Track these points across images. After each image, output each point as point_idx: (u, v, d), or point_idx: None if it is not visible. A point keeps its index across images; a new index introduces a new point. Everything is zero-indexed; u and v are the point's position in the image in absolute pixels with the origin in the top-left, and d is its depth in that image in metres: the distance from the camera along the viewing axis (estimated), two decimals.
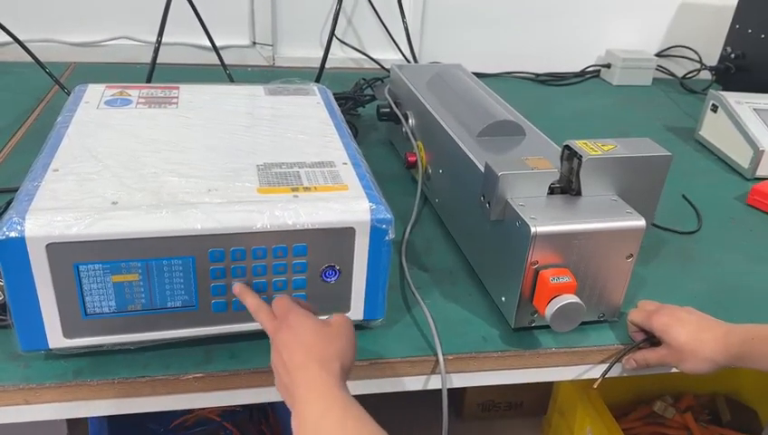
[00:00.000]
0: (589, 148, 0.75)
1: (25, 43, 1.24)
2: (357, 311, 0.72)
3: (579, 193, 0.76)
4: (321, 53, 1.30)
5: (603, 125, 1.46)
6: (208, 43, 1.32)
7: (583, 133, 0.81)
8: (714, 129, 1.33)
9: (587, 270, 0.73)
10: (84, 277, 0.62)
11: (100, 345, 0.66)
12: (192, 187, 0.67)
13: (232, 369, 0.68)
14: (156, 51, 1.21)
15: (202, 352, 0.70)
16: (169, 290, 0.65)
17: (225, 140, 0.78)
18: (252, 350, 0.70)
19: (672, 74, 1.78)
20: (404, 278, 0.83)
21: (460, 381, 0.75)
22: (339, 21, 1.34)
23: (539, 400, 1.64)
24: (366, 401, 0.57)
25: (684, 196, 1.13)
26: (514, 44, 1.71)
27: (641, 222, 0.72)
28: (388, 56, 1.63)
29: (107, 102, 0.86)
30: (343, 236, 0.67)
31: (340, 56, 1.64)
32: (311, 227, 0.65)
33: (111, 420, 1.21)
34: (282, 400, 0.60)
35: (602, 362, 0.77)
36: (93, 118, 0.82)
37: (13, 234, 0.58)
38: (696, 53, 1.75)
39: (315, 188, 0.69)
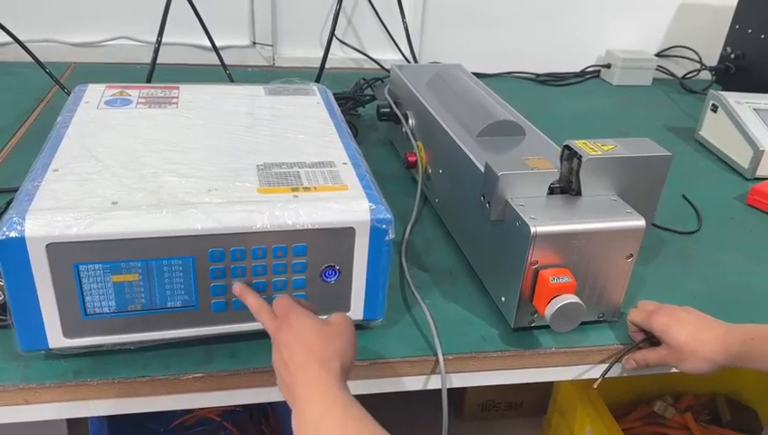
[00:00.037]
0: (589, 148, 0.75)
1: (25, 44, 1.24)
2: (357, 311, 0.72)
3: (579, 193, 0.76)
4: (321, 53, 1.31)
5: (603, 125, 1.46)
6: (208, 43, 1.32)
7: (583, 133, 0.82)
8: (714, 129, 1.33)
9: (587, 270, 0.73)
10: (84, 277, 0.62)
11: (100, 345, 0.66)
12: (192, 187, 0.67)
13: (232, 369, 0.68)
14: (156, 51, 1.21)
15: (202, 352, 0.70)
16: (169, 290, 0.65)
17: (225, 140, 0.78)
18: (252, 350, 0.70)
19: (672, 74, 1.78)
20: (404, 278, 0.83)
21: (460, 381, 0.75)
22: (339, 21, 1.34)
23: (539, 400, 1.64)
24: (366, 401, 0.57)
25: (684, 196, 1.13)
26: (514, 44, 1.71)
27: (641, 222, 0.72)
28: (388, 56, 1.63)
29: (107, 102, 0.86)
30: (343, 236, 0.67)
31: (340, 56, 1.64)
32: (311, 227, 0.65)
33: (111, 420, 1.21)
34: (282, 399, 0.60)
35: (602, 362, 0.77)
36: (93, 118, 0.82)
37: (13, 234, 0.58)
38: (695, 53, 1.75)
39: (315, 188, 0.69)
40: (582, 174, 0.75)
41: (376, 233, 0.67)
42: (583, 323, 0.74)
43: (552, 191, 0.76)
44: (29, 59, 1.25)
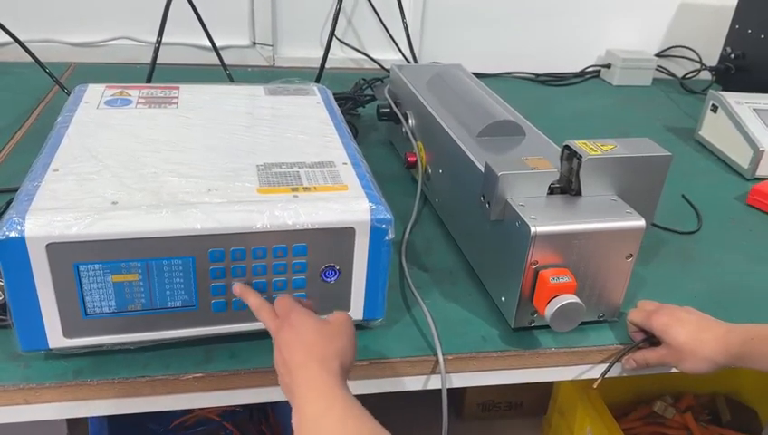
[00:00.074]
0: (588, 148, 0.75)
1: (25, 44, 1.24)
2: (357, 311, 0.72)
3: (579, 193, 0.76)
4: (321, 54, 1.31)
5: (603, 125, 1.46)
6: (208, 44, 1.32)
7: (583, 133, 0.82)
8: (714, 129, 1.33)
9: (587, 270, 0.73)
10: (84, 277, 0.62)
11: (100, 345, 0.66)
12: (192, 187, 0.67)
13: (232, 369, 0.68)
14: (156, 51, 1.21)
15: (202, 352, 0.70)
16: (169, 290, 0.65)
17: (225, 140, 0.78)
18: (252, 350, 0.70)
19: (672, 74, 1.78)
20: (404, 278, 0.83)
21: (460, 381, 0.75)
22: (339, 21, 1.34)
23: (539, 400, 1.64)
24: (366, 400, 0.57)
25: (684, 196, 1.13)
26: (514, 44, 1.71)
27: (641, 222, 0.72)
28: (388, 56, 1.63)
29: (107, 102, 0.86)
30: (343, 236, 0.67)
31: (340, 56, 1.64)
32: (311, 226, 0.65)
33: (111, 420, 1.21)
34: (282, 399, 0.60)
35: (602, 362, 0.77)
36: (93, 118, 0.82)
37: (13, 234, 0.58)
38: (695, 53, 1.75)
39: (315, 188, 0.69)
40: (582, 174, 0.75)
41: (376, 233, 0.67)
42: (583, 323, 0.74)
43: (551, 191, 0.76)
44: (29, 59, 1.25)
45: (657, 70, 1.74)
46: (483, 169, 0.78)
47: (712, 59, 1.69)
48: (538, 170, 0.75)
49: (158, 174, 0.68)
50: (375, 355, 0.72)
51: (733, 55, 1.59)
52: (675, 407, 1.44)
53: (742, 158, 1.23)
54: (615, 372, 0.77)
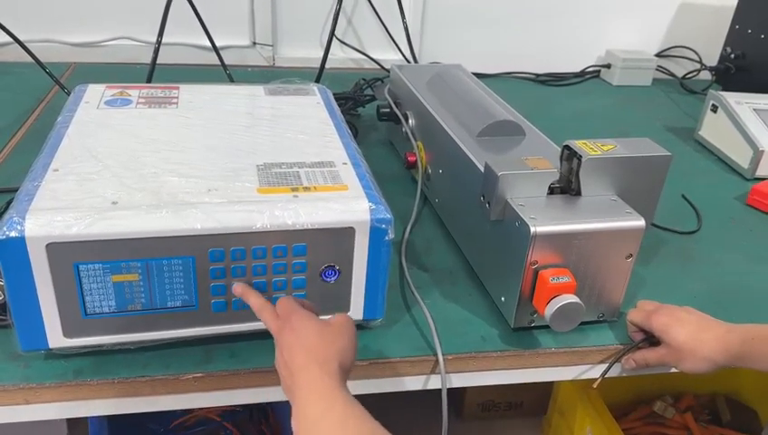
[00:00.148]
0: (588, 148, 0.75)
1: (26, 44, 1.24)
2: (356, 311, 0.72)
3: (578, 193, 0.76)
4: (321, 54, 1.31)
5: (603, 125, 1.46)
6: (208, 44, 1.32)
7: (583, 133, 0.82)
8: (714, 129, 1.33)
9: (586, 270, 0.73)
10: (84, 277, 0.62)
11: (100, 345, 0.66)
12: (192, 187, 0.67)
13: (232, 369, 0.68)
14: (156, 51, 1.21)
15: (202, 352, 0.70)
16: (169, 290, 0.65)
17: (225, 140, 0.78)
18: (251, 349, 0.70)
19: (672, 74, 1.78)
20: (404, 278, 0.83)
21: (460, 380, 0.75)
22: (339, 21, 1.34)
23: (539, 400, 1.64)
24: (366, 400, 0.57)
25: (684, 196, 1.13)
26: (514, 44, 1.71)
27: (641, 222, 0.72)
28: (388, 56, 1.63)
29: (107, 102, 0.86)
30: (343, 236, 0.67)
31: (340, 56, 1.64)
32: (310, 226, 0.65)
33: (111, 419, 1.21)
34: (282, 399, 0.60)
35: (602, 362, 0.77)
36: (93, 118, 0.82)
37: (13, 234, 0.58)
38: (695, 53, 1.75)
39: (315, 188, 0.69)
40: (582, 174, 0.75)
41: (376, 233, 0.67)
42: (583, 323, 0.74)
43: (551, 191, 0.76)
44: (29, 59, 1.25)
45: (657, 70, 1.74)
46: (483, 169, 0.78)
47: (712, 59, 1.69)
48: (538, 170, 0.75)
49: (158, 174, 0.69)
50: (375, 355, 0.72)
51: (733, 55, 1.59)
52: (675, 407, 1.44)
53: (742, 158, 1.23)
54: (615, 372, 0.77)
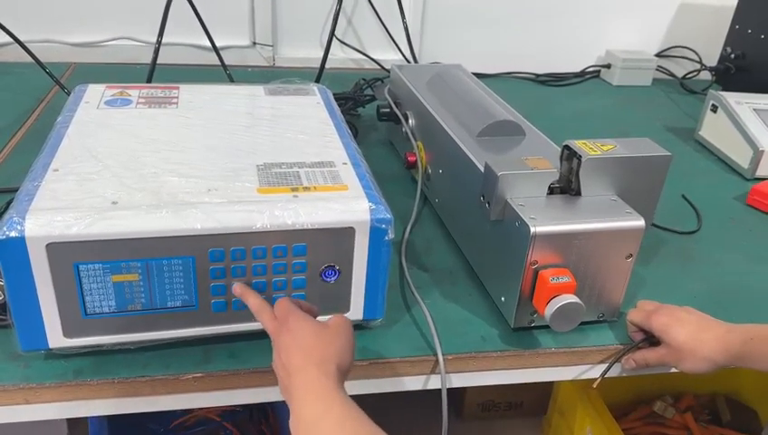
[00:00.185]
0: (588, 148, 0.75)
1: (26, 44, 1.24)
2: (356, 311, 0.72)
3: (578, 193, 0.76)
4: (321, 54, 1.31)
5: (603, 125, 1.46)
6: (208, 44, 1.32)
7: (583, 133, 0.82)
8: (713, 129, 1.33)
9: (586, 270, 0.73)
10: (84, 277, 0.62)
11: (100, 345, 0.66)
12: (192, 187, 0.67)
13: (231, 369, 0.68)
14: (156, 51, 1.21)
15: (201, 352, 0.70)
16: (169, 290, 0.65)
17: (225, 140, 0.78)
18: (251, 350, 0.70)
19: (672, 75, 1.78)
20: (404, 278, 0.83)
21: (460, 380, 0.75)
22: (339, 21, 1.34)
23: (539, 400, 1.64)
24: (366, 401, 0.57)
25: (684, 196, 1.13)
26: (514, 44, 1.71)
27: (641, 222, 0.72)
28: (389, 56, 1.63)
29: (107, 102, 0.86)
30: (343, 235, 0.67)
31: (341, 56, 1.64)
32: (310, 226, 0.65)
33: (111, 419, 1.21)
34: (281, 399, 0.60)
35: (602, 362, 0.77)
36: (93, 118, 0.82)
37: (13, 234, 0.58)
38: (695, 53, 1.75)
39: (315, 188, 0.69)
40: (582, 174, 0.75)
41: (376, 233, 0.67)
42: (583, 323, 0.74)
43: (551, 191, 0.76)
44: (29, 59, 1.25)
45: (657, 70, 1.74)
46: (483, 169, 0.78)
47: (712, 59, 1.69)
48: (538, 170, 0.75)
49: (158, 174, 0.69)
50: (375, 355, 0.72)
51: (733, 55, 1.59)
52: (675, 407, 1.44)
53: (742, 158, 1.23)
54: (615, 372, 0.77)
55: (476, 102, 0.98)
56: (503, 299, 0.77)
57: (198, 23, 1.28)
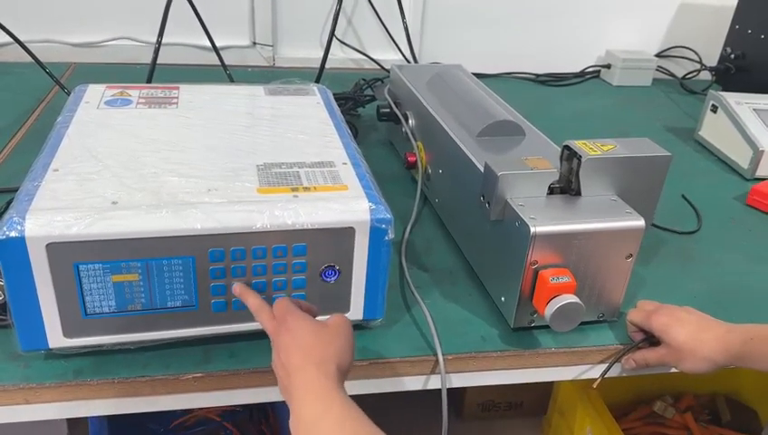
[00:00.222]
0: (588, 148, 0.75)
1: (26, 44, 1.24)
2: (356, 311, 0.72)
3: (578, 193, 0.76)
4: (322, 54, 1.31)
5: (603, 125, 1.46)
6: (208, 44, 1.32)
7: (583, 133, 0.82)
8: (713, 129, 1.33)
9: (586, 270, 0.73)
10: (84, 277, 0.62)
11: (100, 345, 0.66)
12: (192, 187, 0.67)
13: (231, 369, 0.68)
14: (156, 51, 1.21)
15: (201, 352, 0.70)
16: (169, 290, 0.65)
17: (225, 140, 0.78)
18: (251, 349, 0.70)
19: (672, 75, 1.78)
20: (404, 278, 0.83)
21: (460, 380, 0.75)
22: (339, 21, 1.34)
23: (539, 400, 1.64)
24: (365, 400, 0.57)
25: (683, 196, 1.13)
26: (514, 44, 1.71)
27: (641, 222, 0.72)
28: (389, 56, 1.63)
29: (107, 102, 0.86)
30: (343, 236, 0.67)
31: (341, 56, 1.64)
32: (310, 226, 0.65)
33: (111, 419, 1.21)
34: (282, 399, 0.60)
35: (602, 362, 0.77)
36: (93, 118, 0.82)
37: (13, 234, 0.58)
38: (695, 53, 1.75)
39: (315, 188, 0.69)
40: (582, 174, 0.75)
41: (376, 233, 0.67)
42: (583, 323, 0.74)
43: (551, 191, 0.76)
44: (29, 59, 1.25)
45: (657, 70, 1.74)
46: (483, 169, 0.78)
47: (712, 59, 1.69)
48: (538, 170, 0.75)
49: (158, 174, 0.69)
50: (375, 355, 0.72)
51: (733, 55, 1.59)
52: (675, 407, 1.44)
53: (742, 158, 1.23)
54: (615, 372, 0.77)
55: (476, 102, 0.98)
56: (503, 299, 0.77)
57: (198, 23, 1.28)
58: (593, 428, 1.29)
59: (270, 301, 0.65)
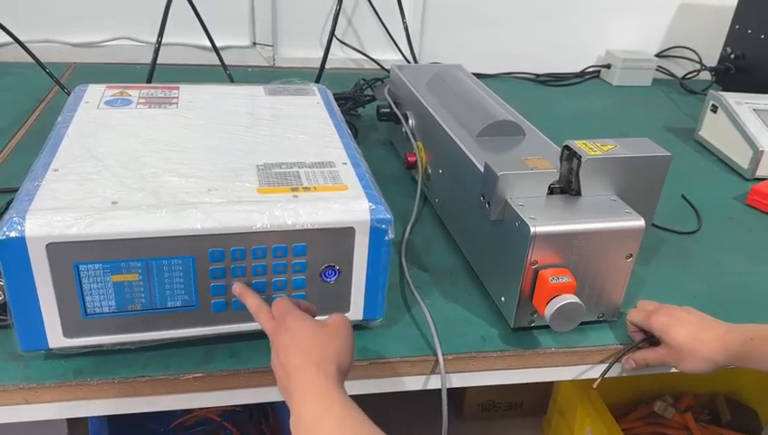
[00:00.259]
0: (588, 148, 0.76)
1: (26, 44, 1.24)
2: (356, 311, 0.72)
3: (578, 193, 0.76)
4: (322, 54, 1.31)
5: (603, 125, 1.46)
6: (208, 44, 1.32)
7: (583, 133, 0.82)
8: (713, 129, 1.33)
9: (586, 270, 0.73)
10: (84, 277, 0.62)
11: (100, 345, 0.66)
12: (192, 187, 0.67)
13: (232, 369, 0.68)
14: (156, 51, 1.21)
15: (202, 352, 0.70)
16: (169, 290, 0.65)
17: (225, 140, 0.78)
18: (251, 349, 0.70)
19: (672, 75, 1.78)
20: (404, 278, 0.83)
21: (460, 380, 0.75)
22: (339, 21, 1.34)
23: (539, 400, 1.64)
24: (365, 400, 0.57)
25: (683, 196, 1.13)
26: (514, 44, 1.71)
27: (640, 222, 0.72)
28: (389, 56, 1.63)
29: (107, 102, 0.86)
30: (343, 236, 0.67)
31: (341, 56, 1.64)
32: (310, 226, 0.65)
33: (111, 419, 1.21)
34: (282, 399, 0.60)
35: (602, 362, 0.77)
36: (93, 118, 0.82)
37: (13, 234, 0.58)
38: (695, 53, 1.75)
39: (315, 188, 0.69)
40: (582, 174, 0.75)
41: (376, 233, 0.67)
42: (583, 323, 0.74)
43: (551, 191, 0.76)
44: (29, 59, 1.25)
45: (657, 70, 1.74)
46: (482, 169, 0.78)
47: (712, 59, 1.69)
48: (538, 170, 0.75)
49: (158, 174, 0.69)
50: (375, 355, 0.72)
51: (733, 55, 1.59)
52: (675, 407, 1.44)
53: (741, 158, 1.23)
54: (615, 372, 0.77)
55: (476, 102, 0.98)
56: (503, 299, 0.77)
57: (198, 23, 1.28)
58: (593, 428, 1.29)
59: (270, 301, 0.65)
